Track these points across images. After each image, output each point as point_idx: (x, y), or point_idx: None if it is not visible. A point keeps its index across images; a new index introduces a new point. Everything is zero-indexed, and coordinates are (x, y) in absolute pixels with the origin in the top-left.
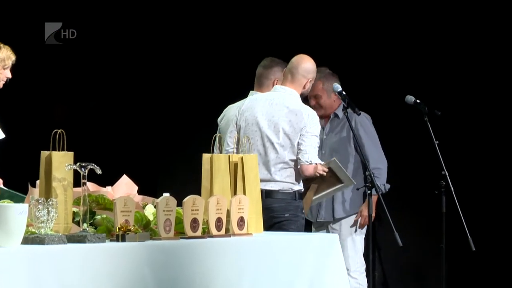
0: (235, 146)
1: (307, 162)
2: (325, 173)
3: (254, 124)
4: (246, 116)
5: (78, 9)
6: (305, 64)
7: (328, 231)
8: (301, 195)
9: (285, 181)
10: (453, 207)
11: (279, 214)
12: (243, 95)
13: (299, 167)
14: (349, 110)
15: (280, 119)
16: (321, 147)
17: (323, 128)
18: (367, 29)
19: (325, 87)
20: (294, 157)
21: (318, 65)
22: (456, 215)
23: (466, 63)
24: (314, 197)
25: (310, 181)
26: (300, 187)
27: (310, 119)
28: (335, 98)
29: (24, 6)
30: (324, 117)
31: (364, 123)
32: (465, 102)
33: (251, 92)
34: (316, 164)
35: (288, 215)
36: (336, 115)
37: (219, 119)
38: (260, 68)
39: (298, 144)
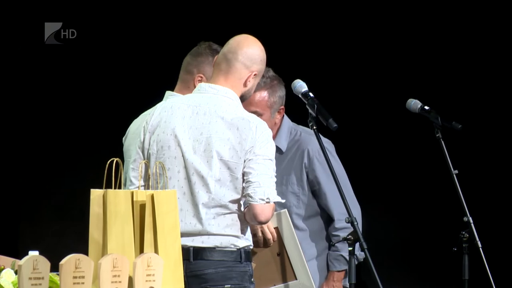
0: (144, 183)
1: (263, 200)
2: (270, 237)
3: (172, 147)
4: (159, 135)
5: (78, 9)
6: (250, 49)
7: None
8: (249, 254)
9: (223, 233)
10: (481, 271)
11: (215, 284)
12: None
13: (245, 209)
14: (293, 135)
15: (213, 138)
16: None
17: None
18: (351, 20)
19: (271, 101)
20: (238, 196)
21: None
22: (486, 284)
23: (495, 58)
24: None
25: None
26: (247, 242)
27: (260, 133)
28: (278, 119)
29: (24, 6)
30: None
31: (322, 158)
32: (498, 110)
33: (167, 93)
34: (275, 204)
35: (229, 286)
36: (277, 149)
37: (124, 138)
38: (187, 57)
39: (245, 174)
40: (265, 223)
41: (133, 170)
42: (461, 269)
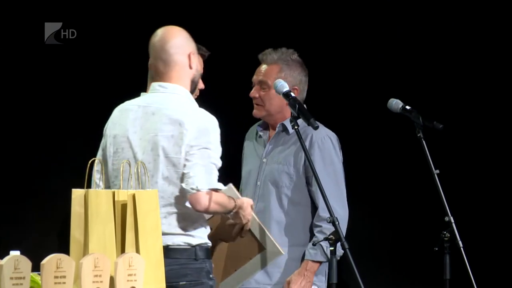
0: (102, 185)
1: (193, 189)
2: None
3: (125, 149)
4: (114, 137)
5: (78, 9)
6: (173, 38)
7: None
8: (206, 251)
9: (175, 232)
10: (462, 271)
11: (170, 282)
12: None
13: (188, 203)
14: (301, 122)
15: (159, 136)
16: (257, 176)
17: (263, 145)
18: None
19: (283, 75)
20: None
21: None
22: (467, 284)
23: (476, 58)
24: (221, 282)
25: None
26: (202, 239)
27: (200, 124)
28: None
29: (24, 6)
30: (269, 126)
31: (325, 146)
32: (479, 109)
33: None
34: (214, 191)
35: (185, 282)
36: (284, 128)
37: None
38: None
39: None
40: (203, 211)
41: (97, 172)
42: (443, 269)
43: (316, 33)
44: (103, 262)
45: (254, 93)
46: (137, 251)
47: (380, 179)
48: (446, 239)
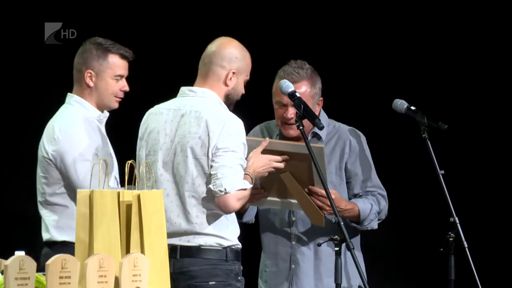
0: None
1: (221, 191)
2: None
3: (156, 151)
4: (147, 141)
5: (78, 9)
6: (225, 49)
7: None
8: (236, 253)
9: (207, 232)
10: (467, 271)
11: (200, 281)
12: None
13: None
14: (330, 125)
15: (187, 137)
16: None
17: None
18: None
19: (312, 92)
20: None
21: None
22: (472, 284)
23: (481, 59)
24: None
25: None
26: (233, 241)
27: (226, 129)
28: (317, 112)
29: (24, 6)
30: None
31: (360, 145)
32: (484, 110)
33: (68, 95)
34: (241, 190)
35: (214, 283)
36: (315, 135)
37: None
38: (75, 57)
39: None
40: (231, 212)
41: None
42: (447, 269)
43: (321, 33)
44: (108, 263)
45: (290, 114)
46: (142, 251)
47: (385, 180)
48: (451, 239)
